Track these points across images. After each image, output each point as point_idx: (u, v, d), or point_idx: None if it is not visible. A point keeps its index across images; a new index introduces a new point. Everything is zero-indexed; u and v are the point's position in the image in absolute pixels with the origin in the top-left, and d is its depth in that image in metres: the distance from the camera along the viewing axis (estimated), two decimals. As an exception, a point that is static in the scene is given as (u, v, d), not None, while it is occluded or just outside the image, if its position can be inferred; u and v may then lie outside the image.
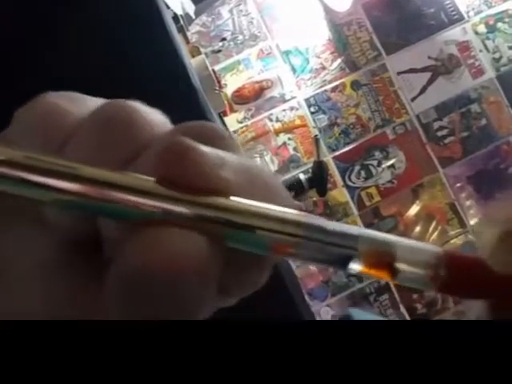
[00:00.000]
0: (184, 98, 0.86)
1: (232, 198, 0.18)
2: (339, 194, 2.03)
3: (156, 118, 0.20)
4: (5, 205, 0.20)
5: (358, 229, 0.19)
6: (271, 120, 2.06)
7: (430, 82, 2.09)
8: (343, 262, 0.19)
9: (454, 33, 2.11)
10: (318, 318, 1.89)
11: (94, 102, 0.21)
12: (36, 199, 0.18)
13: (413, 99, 2.08)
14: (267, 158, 2.02)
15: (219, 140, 0.19)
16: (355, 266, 0.19)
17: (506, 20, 2.12)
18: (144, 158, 0.19)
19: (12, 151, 0.18)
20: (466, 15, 2.12)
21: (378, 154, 2.06)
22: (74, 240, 0.19)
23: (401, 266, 0.19)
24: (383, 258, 0.19)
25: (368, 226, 2.02)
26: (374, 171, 2.05)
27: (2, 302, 0.19)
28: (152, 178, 0.18)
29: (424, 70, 2.10)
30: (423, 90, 2.09)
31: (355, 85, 2.09)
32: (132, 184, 0.18)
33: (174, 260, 0.17)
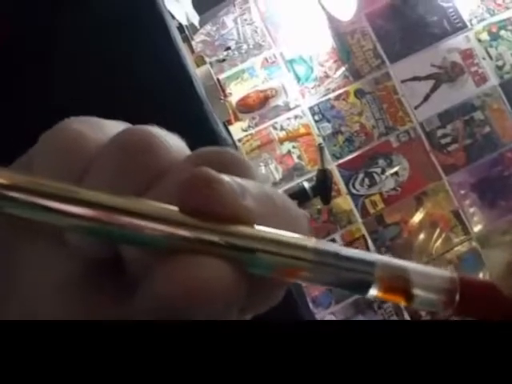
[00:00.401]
0: (189, 108, 0.87)
1: (255, 226, 0.19)
2: (343, 201, 2.04)
3: (174, 144, 0.21)
4: (22, 226, 0.20)
5: (374, 255, 0.20)
6: (276, 128, 2.06)
7: (434, 89, 2.10)
8: (360, 287, 0.20)
9: (457, 41, 2.12)
10: (322, 326, 1.88)
11: (113, 127, 0.21)
12: (57, 225, 0.18)
13: (416, 107, 2.08)
14: (272, 167, 2.03)
15: (238, 166, 0.20)
16: (371, 291, 0.20)
17: (509, 28, 2.12)
18: (163, 185, 0.19)
19: (29, 178, 0.18)
20: (468, 23, 2.12)
21: (381, 161, 2.06)
22: (95, 259, 0.20)
23: (416, 291, 0.20)
24: (399, 283, 0.20)
25: (372, 233, 2.02)
26: (377, 179, 2.05)
27: (23, 315, 0.19)
28: (176, 208, 0.18)
29: (427, 77, 2.10)
30: (427, 97, 2.09)
31: (359, 93, 2.09)
32: (155, 212, 0.18)
33: (200, 286, 0.17)
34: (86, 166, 0.20)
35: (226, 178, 0.19)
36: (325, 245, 0.19)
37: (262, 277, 0.19)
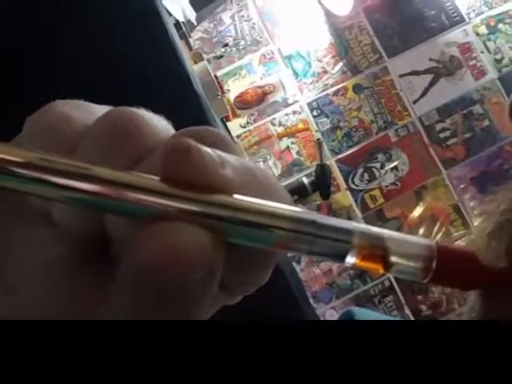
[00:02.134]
0: (187, 104, 0.87)
1: (232, 194, 0.19)
2: (343, 196, 2.04)
3: (160, 124, 0.21)
4: (11, 204, 0.21)
5: (351, 223, 0.20)
6: (274, 124, 2.06)
7: (432, 83, 2.09)
8: (339, 255, 0.20)
9: (455, 34, 2.11)
10: (323, 321, 1.89)
11: (99, 110, 0.22)
12: (49, 197, 0.19)
13: (415, 101, 2.08)
14: (270, 162, 2.03)
15: (222, 143, 0.20)
16: (349, 259, 0.20)
17: (507, 21, 2.12)
18: (148, 161, 0.20)
19: (28, 153, 0.19)
20: (466, 17, 2.12)
21: (380, 156, 2.06)
22: (82, 240, 0.20)
23: (394, 258, 0.20)
24: (377, 251, 0.20)
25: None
26: (377, 174, 2.05)
27: (10, 298, 0.19)
28: (156, 177, 0.19)
29: (426, 72, 2.10)
30: (425, 92, 2.09)
31: (357, 88, 2.09)
32: (137, 182, 0.18)
33: (178, 251, 0.17)
34: (72, 145, 0.20)
35: (205, 148, 0.19)
36: (302, 213, 0.19)
37: (245, 250, 0.19)
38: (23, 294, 0.20)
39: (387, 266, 0.20)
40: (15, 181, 0.18)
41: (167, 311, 0.18)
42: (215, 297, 0.20)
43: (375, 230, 0.20)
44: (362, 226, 0.20)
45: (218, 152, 0.19)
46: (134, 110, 0.20)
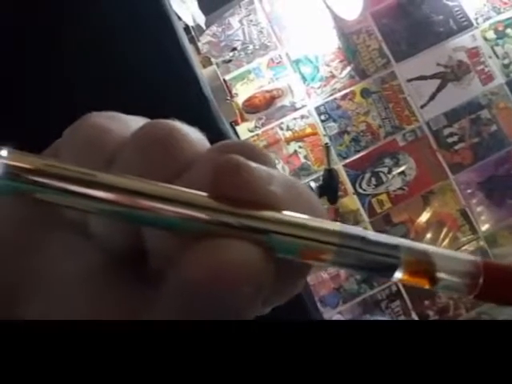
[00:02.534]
0: (196, 108, 0.87)
1: (281, 210, 0.19)
2: (350, 201, 2.04)
3: (196, 137, 0.21)
4: (43, 212, 0.21)
5: (397, 239, 0.20)
6: (282, 128, 2.06)
7: (440, 88, 2.09)
8: (385, 271, 0.20)
9: (463, 39, 2.11)
10: (330, 325, 1.88)
11: (134, 121, 0.22)
12: (84, 209, 0.19)
13: (422, 106, 2.08)
14: (278, 167, 2.03)
15: (259, 157, 0.20)
16: (397, 275, 0.20)
17: (515, 26, 2.12)
18: (188, 175, 0.20)
19: (65, 166, 0.19)
20: (474, 22, 2.12)
21: (388, 161, 2.06)
22: (118, 250, 0.20)
23: (440, 274, 0.20)
24: (423, 266, 0.20)
25: (379, 232, 2.00)
26: (384, 178, 2.05)
27: (44, 304, 0.20)
28: (205, 193, 0.19)
29: (433, 76, 2.10)
30: (433, 96, 2.09)
31: (365, 92, 2.09)
32: (186, 197, 0.19)
33: (229, 267, 0.17)
34: (110, 157, 0.20)
35: (254, 164, 0.19)
36: (351, 229, 0.20)
37: (288, 262, 0.20)
38: (60, 300, 0.20)
39: (434, 281, 0.20)
40: (33, 188, 0.19)
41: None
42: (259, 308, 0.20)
43: (421, 245, 0.20)
44: (407, 241, 0.20)
45: (264, 168, 0.19)
46: (171, 123, 0.21)
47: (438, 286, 0.20)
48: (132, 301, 0.20)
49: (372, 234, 0.20)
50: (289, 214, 0.19)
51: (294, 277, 0.21)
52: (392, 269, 0.20)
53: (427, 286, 0.20)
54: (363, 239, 0.20)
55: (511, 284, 0.20)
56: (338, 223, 0.20)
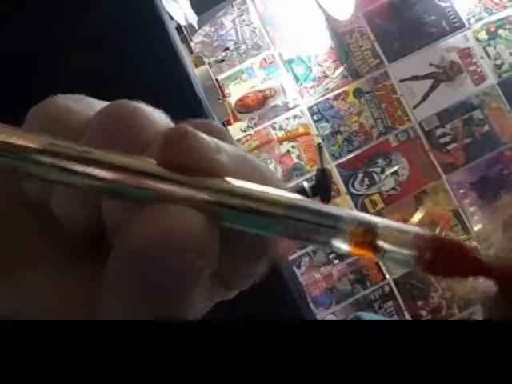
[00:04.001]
0: (188, 108, 0.87)
1: (226, 178, 0.19)
2: (343, 201, 2.04)
3: (159, 117, 0.21)
4: (8, 192, 0.21)
5: (344, 210, 0.20)
6: (274, 128, 2.07)
7: (432, 89, 2.10)
8: (329, 241, 0.20)
9: (456, 40, 2.12)
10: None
11: (99, 104, 0.22)
12: (49, 179, 0.19)
13: (415, 106, 2.09)
14: (271, 167, 2.03)
15: (219, 134, 0.21)
16: (341, 245, 0.20)
17: (507, 26, 2.13)
18: (148, 152, 0.20)
19: (42, 139, 0.19)
20: (466, 22, 2.13)
21: (381, 161, 2.06)
22: (82, 231, 0.20)
23: (386, 245, 0.20)
24: (368, 237, 0.20)
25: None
26: (377, 178, 2.05)
27: (11, 290, 0.20)
28: (153, 161, 0.19)
29: (426, 77, 2.10)
30: (425, 97, 2.09)
31: (358, 93, 2.10)
32: (133, 164, 0.19)
33: (170, 232, 0.17)
34: (73, 136, 0.20)
35: (202, 134, 0.19)
36: (297, 200, 0.20)
37: (240, 241, 0.20)
38: (26, 283, 0.20)
39: (378, 252, 0.20)
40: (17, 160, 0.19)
41: (159, 296, 0.18)
42: (211, 290, 0.20)
43: (367, 216, 0.20)
44: (353, 212, 0.20)
45: (214, 139, 0.20)
46: (134, 103, 0.21)
47: (384, 258, 0.20)
48: (86, 282, 0.20)
49: (317, 205, 0.20)
50: (234, 184, 0.19)
51: (251, 256, 0.21)
52: (335, 239, 0.20)
53: (373, 258, 0.20)
54: (308, 210, 0.19)
55: (458, 257, 0.20)
56: (286, 194, 0.20)
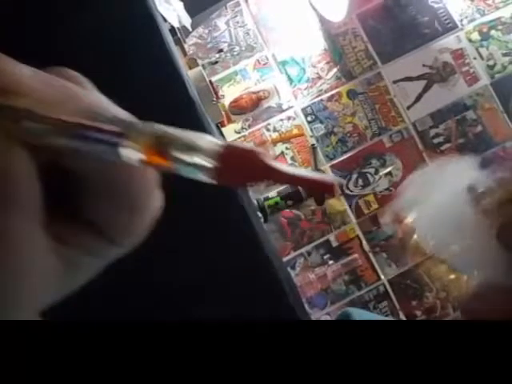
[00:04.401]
0: (181, 110, 0.87)
1: (24, 99, 0.19)
2: (337, 202, 2.04)
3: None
4: None
5: (133, 119, 0.20)
6: (268, 130, 2.07)
7: (426, 89, 2.10)
8: (116, 150, 0.20)
9: (448, 41, 2.13)
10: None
11: None
12: None
13: (409, 107, 2.09)
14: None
15: (74, 79, 0.22)
16: (133, 154, 0.20)
17: (499, 27, 2.14)
18: None
19: None
20: (459, 23, 2.14)
21: (375, 161, 2.07)
22: None
23: (180, 155, 0.20)
24: (162, 147, 0.20)
25: (366, 233, 2.02)
26: (371, 179, 2.06)
27: None
28: None
29: (419, 78, 2.11)
30: (419, 97, 2.10)
31: (351, 94, 2.10)
32: None
33: None
34: None
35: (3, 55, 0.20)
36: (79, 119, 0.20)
37: (102, 186, 0.20)
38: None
39: (174, 162, 0.20)
40: None
41: None
42: (84, 243, 0.20)
43: (161, 126, 0.20)
44: (149, 123, 0.20)
45: (16, 62, 0.20)
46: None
47: (180, 169, 0.20)
48: None
49: (103, 110, 0.20)
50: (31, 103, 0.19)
51: (117, 203, 0.21)
52: (129, 148, 0.20)
53: (167, 168, 0.20)
54: (99, 117, 0.20)
55: (249, 164, 0.20)
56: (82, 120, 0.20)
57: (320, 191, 0.20)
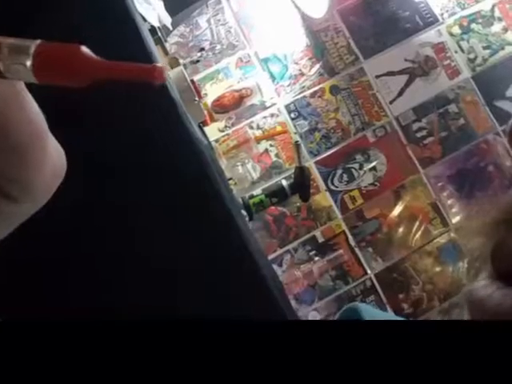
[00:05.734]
0: (163, 110, 0.87)
1: None
2: (322, 198, 2.05)
3: None
4: None
5: None
6: (252, 128, 2.07)
7: (408, 84, 2.12)
8: None
9: (430, 35, 2.14)
10: (306, 322, 1.89)
11: None
12: None
13: (391, 102, 2.10)
14: (249, 166, 2.03)
15: None
16: None
17: (480, 21, 2.15)
18: None
19: None
20: (440, 17, 2.15)
21: (359, 157, 2.08)
22: None
23: (4, 58, 0.20)
24: None
25: (352, 228, 2.03)
26: (356, 174, 2.07)
27: None
28: None
29: (401, 72, 2.12)
30: (401, 92, 2.11)
31: (334, 89, 2.11)
32: None
33: None
34: None
35: None
36: None
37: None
38: None
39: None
40: None
41: None
42: None
43: None
44: None
45: None
46: None
47: (8, 71, 0.20)
48: None
49: None
50: None
51: (10, 155, 0.20)
52: None
53: None
54: None
55: (67, 61, 0.20)
56: None
57: (142, 78, 0.20)
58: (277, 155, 2.06)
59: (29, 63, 0.19)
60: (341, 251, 2.01)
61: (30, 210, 0.22)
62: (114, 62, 0.20)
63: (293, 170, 1.80)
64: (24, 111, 0.21)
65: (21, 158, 0.21)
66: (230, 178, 1.86)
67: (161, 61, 1.01)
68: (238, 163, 2.00)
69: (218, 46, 2.11)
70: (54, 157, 0.22)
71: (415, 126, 2.10)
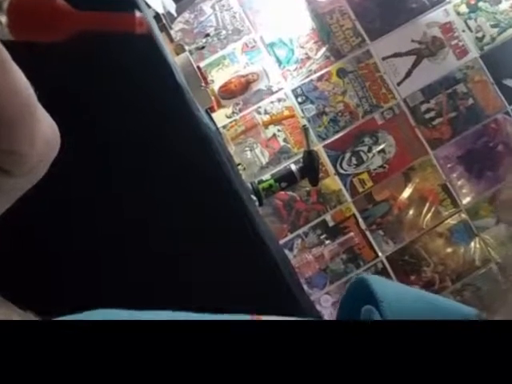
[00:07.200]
0: (170, 97, 0.86)
1: None
2: (332, 182, 2.04)
3: None
4: None
5: None
6: (259, 113, 2.06)
7: (415, 65, 2.10)
8: None
9: (436, 15, 2.12)
10: (318, 307, 1.90)
11: None
12: None
13: (399, 83, 2.09)
14: (257, 151, 2.03)
15: None
16: None
17: (487, -1, 2.13)
18: None
19: None
20: (446, -4, 2.13)
21: (367, 139, 2.07)
22: None
23: None
24: None
25: (362, 211, 2.03)
26: (364, 157, 2.06)
27: None
28: None
29: (408, 53, 2.10)
30: (409, 73, 2.09)
31: (341, 72, 2.09)
32: None
33: None
34: None
35: None
36: None
37: None
38: None
39: None
40: None
41: None
42: None
43: None
44: None
45: None
46: None
47: None
48: None
49: None
50: None
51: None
52: None
53: None
54: None
55: (43, 13, 0.20)
56: None
57: (123, 27, 0.20)
58: (285, 140, 2.05)
59: (3, 19, 0.19)
60: (351, 234, 2.01)
61: (26, 183, 0.22)
62: (93, 12, 0.20)
63: (301, 155, 1.79)
64: (10, 82, 0.20)
65: (11, 131, 0.20)
66: (239, 164, 1.85)
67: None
68: (247, 148, 2.00)
69: (223, 32, 2.10)
70: (45, 128, 0.21)
71: (423, 107, 2.08)
